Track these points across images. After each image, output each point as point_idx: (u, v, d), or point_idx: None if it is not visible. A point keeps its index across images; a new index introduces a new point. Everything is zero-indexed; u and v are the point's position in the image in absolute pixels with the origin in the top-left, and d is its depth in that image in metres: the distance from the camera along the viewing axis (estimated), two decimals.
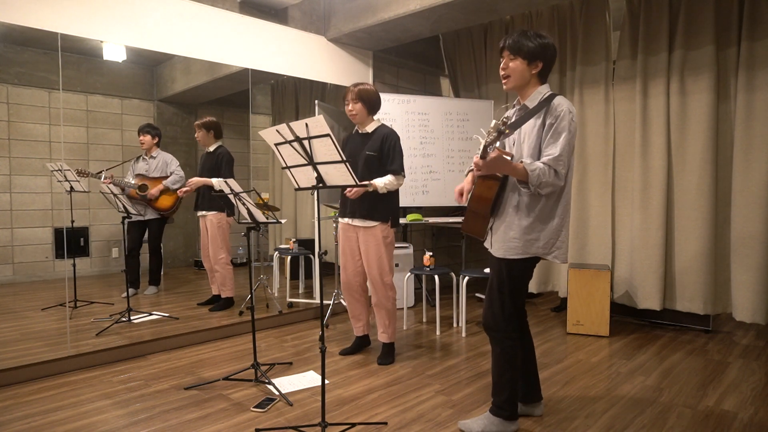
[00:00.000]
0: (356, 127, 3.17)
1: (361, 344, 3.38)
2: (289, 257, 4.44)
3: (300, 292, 4.73)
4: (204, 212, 3.99)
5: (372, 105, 3.07)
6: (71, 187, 3.40)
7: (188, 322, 3.70)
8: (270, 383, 2.78)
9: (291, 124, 2.04)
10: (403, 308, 4.11)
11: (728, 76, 3.55)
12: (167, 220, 4.12)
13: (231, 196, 2.78)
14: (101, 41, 3.24)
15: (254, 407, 2.51)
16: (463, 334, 3.78)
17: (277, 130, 2.10)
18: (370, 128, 3.10)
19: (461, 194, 2.27)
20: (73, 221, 3.45)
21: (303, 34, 4.21)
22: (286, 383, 2.82)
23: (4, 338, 3.23)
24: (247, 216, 2.79)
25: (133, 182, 3.94)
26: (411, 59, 5.11)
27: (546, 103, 2.07)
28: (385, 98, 4.33)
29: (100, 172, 3.71)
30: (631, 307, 4.00)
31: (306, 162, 2.14)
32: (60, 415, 2.44)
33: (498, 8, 3.70)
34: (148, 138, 3.94)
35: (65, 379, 2.89)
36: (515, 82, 2.13)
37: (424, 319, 4.24)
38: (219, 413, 2.46)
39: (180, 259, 4.49)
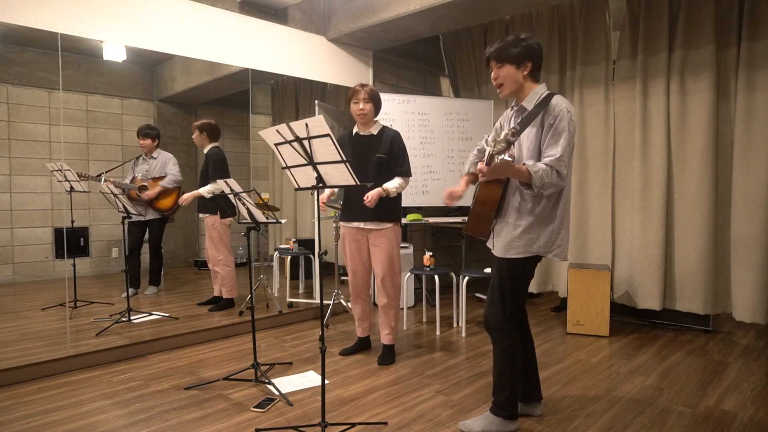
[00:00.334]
0: (355, 128, 3.13)
1: (363, 345, 3.38)
2: (289, 257, 4.44)
3: (300, 292, 4.73)
4: (201, 215, 4.05)
5: (379, 106, 3.09)
6: (71, 187, 3.40)
7: (188, 322, 3.70)
8: (270, 383, 2.78)
9: (291, 124, 2.04)
10: (403, 308, 4.11)
11: (728, 76, 3.55)
12: (168, 221, 4.13)
13: (231, 196, 2.78)
14: (101, 41, 3.23)
15: (254, 407, 2.51)
16: (463, 334, 3.78)
17: (277, 130, 2.10)
18: (374, 130, 3.09)
19: (451, 197, 2.28)
20: (73, 221, 3.45)
21: (303, 34, 4.21)
22: (286, 383, 2.82)
23: (4, 338, 3.23)
24: (247, 216, 2.79)
25: (132, 183, 3.95)
26: (411, 59, 5.11)
27: (544, 103, 2.07)
28: (386, 98, 4.33)
29: (100, 175, 3.71)
30: (631, 307, 4.00)
31: (306, 162, 2.14)
32: (60, 415, 2.44)
33: (498, 8, 3.70)
34: (148, 141, 3.95)
35: (65, 379, 2.89)
36: (510, 88, 2.15)
37: (424, 319, 4.24)
38: (219, 413, 2.46)
39: (180, 259, 4.50)
